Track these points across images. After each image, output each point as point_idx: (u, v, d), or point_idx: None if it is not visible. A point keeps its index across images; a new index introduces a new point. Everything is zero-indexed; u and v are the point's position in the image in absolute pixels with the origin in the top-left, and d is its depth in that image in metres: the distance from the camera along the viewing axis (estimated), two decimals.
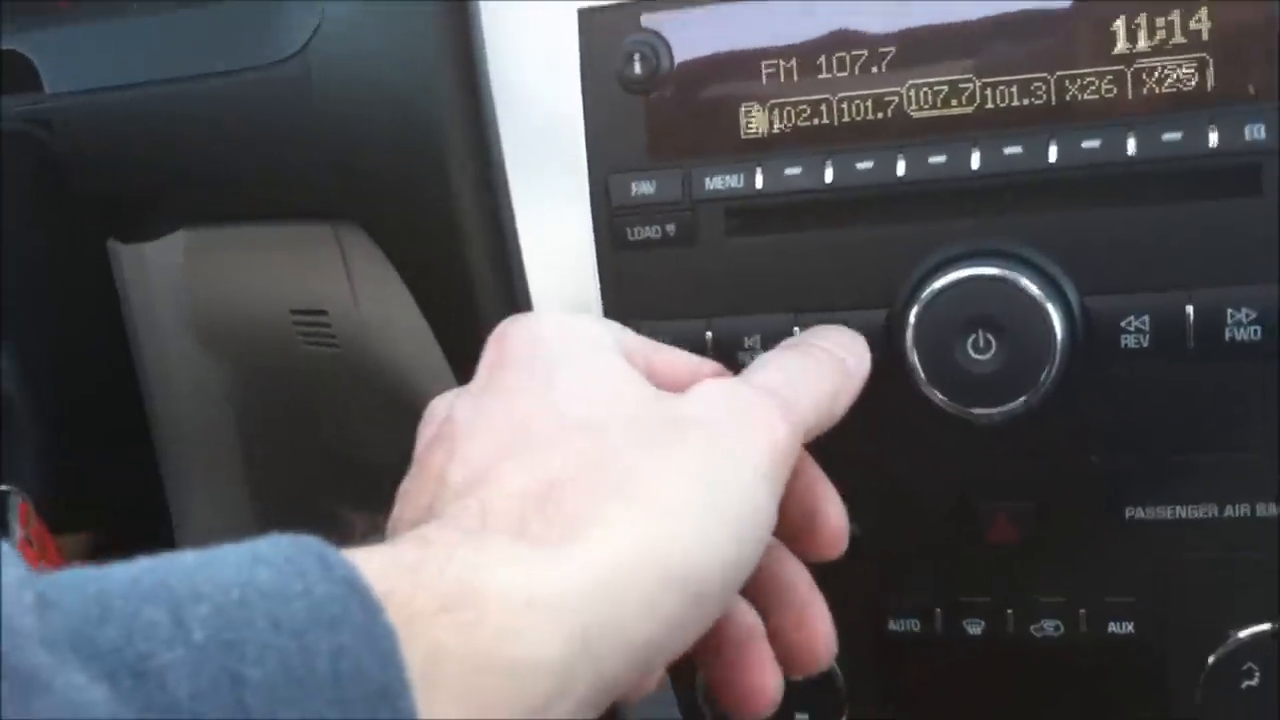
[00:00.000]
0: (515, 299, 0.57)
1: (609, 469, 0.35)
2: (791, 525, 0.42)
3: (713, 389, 0.39)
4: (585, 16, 0.53)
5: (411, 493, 0.39)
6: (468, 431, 0.38)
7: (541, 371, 0.39)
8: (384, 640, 0.28)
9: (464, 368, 0.45)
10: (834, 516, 0.43)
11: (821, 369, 0.43)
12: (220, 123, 0.61)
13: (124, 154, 0.63)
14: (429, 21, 0.57)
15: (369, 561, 0.30)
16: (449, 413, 0.40)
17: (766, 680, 0.41)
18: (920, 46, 0.49)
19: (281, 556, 0.29)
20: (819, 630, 0.42)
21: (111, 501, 0.81)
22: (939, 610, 0.55)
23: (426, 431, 0.42)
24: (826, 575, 0.51)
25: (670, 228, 0.52)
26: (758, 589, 0.42)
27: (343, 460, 0.82)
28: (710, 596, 0.35)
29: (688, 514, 0.34)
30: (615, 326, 0.44)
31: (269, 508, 0.86)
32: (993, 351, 0.47)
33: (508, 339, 0.41)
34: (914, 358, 0.48)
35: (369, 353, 0.70)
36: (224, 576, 0.28)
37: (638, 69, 0.52)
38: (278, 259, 0.70)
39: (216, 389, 0.78)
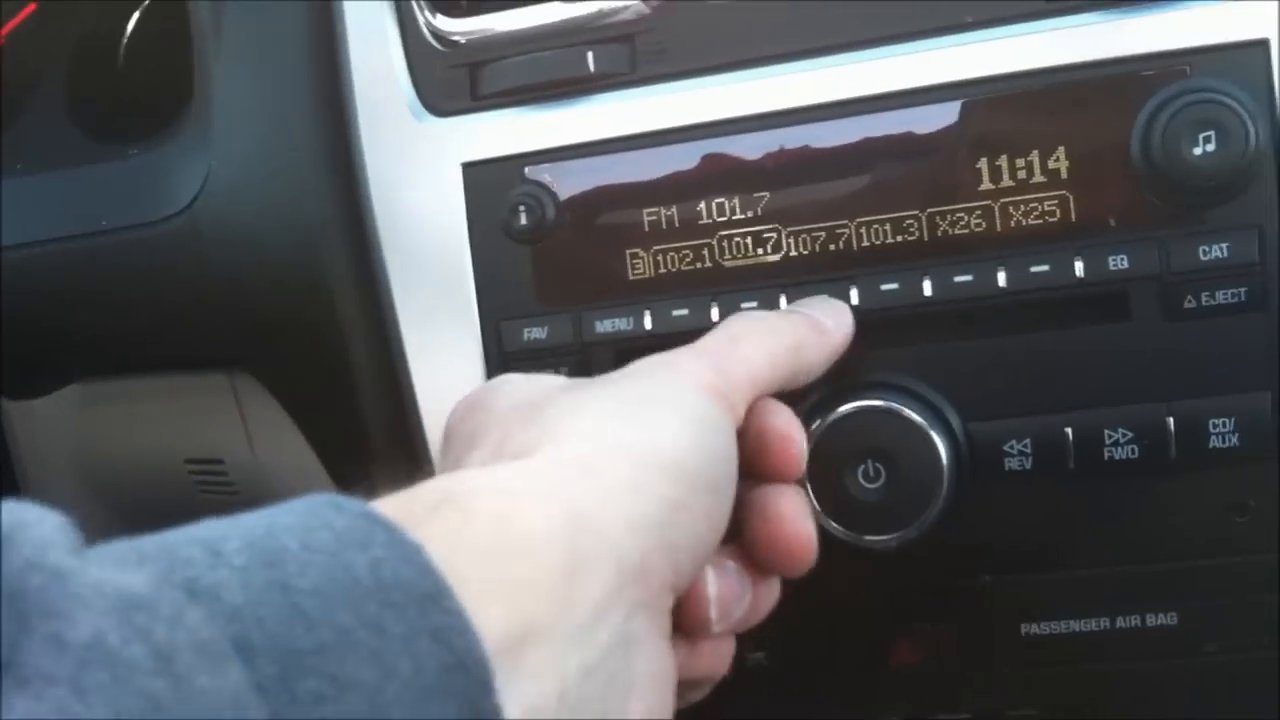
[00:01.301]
0: (409, 443, 0.57)
1: (572, 397, 0.40)
2: (751, 451, 0.43)
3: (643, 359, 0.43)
4: (470, 170, 0.54)
5: None
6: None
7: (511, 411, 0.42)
8: (413, 551, 0.29)
9: None
10: (780, 425, 0.43)
11: (781, 326, 0.46)
12: (110, 281, 0.61)
13: (11, 316, 0.62)
14: (315, 173, 0.57)
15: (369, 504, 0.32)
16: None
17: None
18: (796, 188, 0.51)
19: (297, 508, 0.30)
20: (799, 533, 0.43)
21: None
22: None
23: None
24: (731, 704, 0.51)
25: (564, 370, 0.53)
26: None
27: None
28: (697, 477, 0.38)
29: (640, 415, 0.39)
30: None
31: None
32: (883, 480, 0.48)
33: (472, 414, 0.43)
34: (808, 489, 0.49)
35: (267, 498, 0.69)
36: (246, 524, 0.29)
37: (523, 220, 0.53)
38: (172, 409, 0.69)
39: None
